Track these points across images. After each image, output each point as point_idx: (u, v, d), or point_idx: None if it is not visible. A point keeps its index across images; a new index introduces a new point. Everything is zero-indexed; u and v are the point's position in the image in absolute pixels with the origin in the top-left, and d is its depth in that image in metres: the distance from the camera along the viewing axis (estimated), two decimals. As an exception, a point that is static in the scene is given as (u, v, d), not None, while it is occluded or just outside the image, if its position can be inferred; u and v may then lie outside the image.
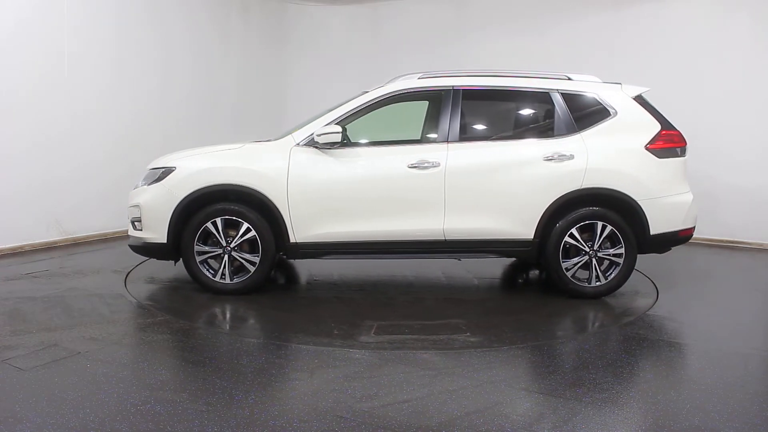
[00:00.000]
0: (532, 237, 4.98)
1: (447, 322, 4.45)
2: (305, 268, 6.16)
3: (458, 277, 5.81)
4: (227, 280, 5.02)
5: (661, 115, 5.16)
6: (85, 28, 7.01)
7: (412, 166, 4.92)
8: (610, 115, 5.09)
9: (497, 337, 4.14)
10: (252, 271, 5.00)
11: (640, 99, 5.19)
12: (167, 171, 5.04)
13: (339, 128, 4.88)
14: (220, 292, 5.01)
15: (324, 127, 4.94)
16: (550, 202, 4.94)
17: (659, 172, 5.02)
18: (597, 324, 4.56)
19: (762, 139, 7.44)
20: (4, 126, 6.32)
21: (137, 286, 5.30)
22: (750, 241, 7.55)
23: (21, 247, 6.53)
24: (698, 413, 3.06)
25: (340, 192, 4.94)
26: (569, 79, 5.25)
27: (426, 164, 4.93)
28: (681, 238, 5.16)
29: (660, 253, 5.27)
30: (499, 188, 4.96)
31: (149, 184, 5.11)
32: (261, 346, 3.97)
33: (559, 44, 8.35)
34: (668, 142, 5.07)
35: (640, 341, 4.11)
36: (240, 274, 5.04)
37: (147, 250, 5.17)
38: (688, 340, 4.28)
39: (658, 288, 5.44)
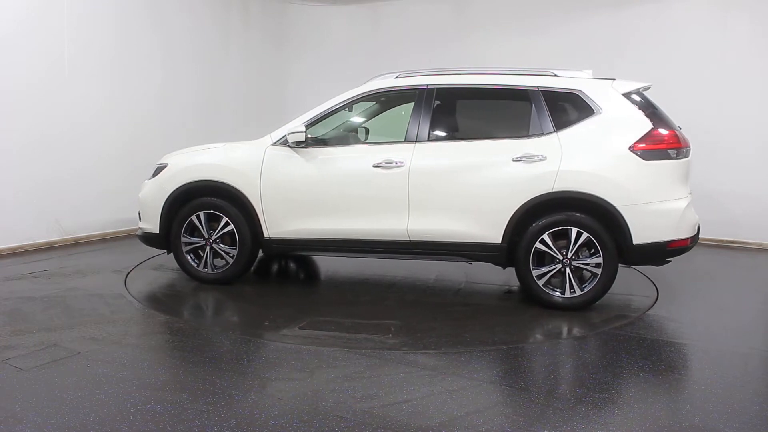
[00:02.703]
0: (500, 241, 4.73)
1: (381, 323, 4.42)
2: (322, 264, 6.28)
3: (448, 281, 5.69)
4: (209, 270, 5.32)
5: (658, 113, 4.77)
6: (85, 29, 7.00)
7: (377, 166, 4.90)
8: (593, 113, 4.69)
9: (416, 341, 4.05)
10: (230, 263, 5.26)
11: (631, 96, 4.77)
12: (161, 167, 5.48)
13: (303, 128, 5.00)
14: (203, 281, 5.35)
15: (294, 126, 5.07)
16: (518, 206, 4.65)
17: (644, 175, 4.56)
18: (596, 324, 4.55)
19: (762, 139, 7.43)
20: (4, 126, 6.32)
21: (137, 286, 5.30)
22: (750, 241, 7.55)
23: (21, 247, 6.53)
24: (698, 413, 3.06)
25: (308, 190, 5.06)
26: (555, 75, 4.91)
27: (390, 164, 4.88)
28: (672, 249, 4.64)
29: (656, 265, 4.87)
30: (464, 189, 4.75)
31: (149, 179, 5.56)
32: (261, 345, 3.97)
33: (559, 44, 8.35)
34: (658, 143, 4.60)
35: (640, 341, 4.10)
36: (222, 266, 5.33)
37: (145, 239, 5.56)
38: (688, 340, 4.28)
39: (657, 288, 5.43)
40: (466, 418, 2.98)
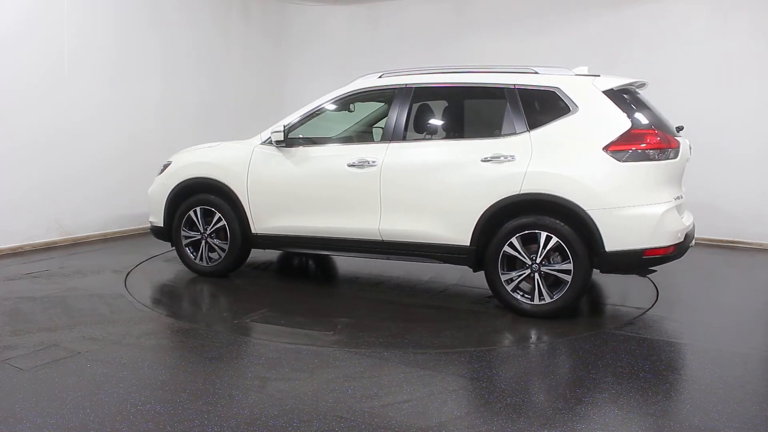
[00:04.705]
0: (468, 244, 4.58)
1: (332, 320, 4.45)
2: (336, 261, 6.38)
3: (438, 282, 5.59)
4: (205, 263, 5.53)
5: (644, 111, 4.50)
6: (85, 28, 6.99)
7: (351, 165, 4.91)
8: (569, 111, 4.43)
9: (354, 339, 4.06)
10: (222, 257, 5.46)
11: (614, 93, 4.44)
12: (166, 165, 5.75)
13: (282, 127, 5.12)
14: (200, 273, 5.58)
15: (277, 126, 5.20)
16: (486, 208, 4.48)
17: (619, 177, 4.26)
18: (596, 324, 4.55)
19: (762, 138, 7.43)
20: (4, 126, 6.31)
21: (137, 286, 5.31)
22: (750, 241, 7.54)
23: (21, 247, 6.52)
24: (698, 413, 3.06)
25: (288, 188, 5.19)
26: (535, 73, 4.67)
27: (364, 163, 4.87)
28: (649, 258, 4.30)
29: (638, 274, 4.64)
30: (433, 190, 4.66)
31: (157, 176, 5.81)
32: (261, 345, 3.97)
33: (560, 44, 8.34)
34: (635, 144, 4.27)
35: (640, 341, 4.10)
36: (216, 259, 5.53)
37: (153, 231, 5.86)
38: (688, 340, 4.28)
39: (657, 288, 5.42)
40: (465, 418, 2.98)
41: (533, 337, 4.27)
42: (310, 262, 6.45)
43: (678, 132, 4.78)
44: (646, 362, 3.74)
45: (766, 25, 7.35)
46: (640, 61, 7.83)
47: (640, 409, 3.12)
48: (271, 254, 6.47)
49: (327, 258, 6.47)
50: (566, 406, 3.14)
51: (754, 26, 7.42)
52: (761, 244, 7.45)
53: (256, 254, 6.38)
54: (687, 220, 4.68)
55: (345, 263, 6.30)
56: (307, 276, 6.14)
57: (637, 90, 4.84)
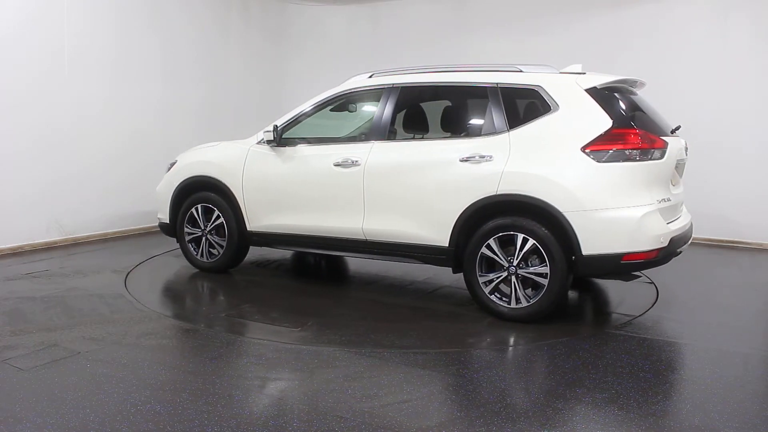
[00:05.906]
0: (447, 245, 4.54)
1: (304, 317, 4.47)
2: (351, 263, 6.40)
3: (430, 283, 5.54)
4: (205, 259, 5.70)
5: (627, 110, 4.35)
6: (85, 28, 7.00)
7: (337, 165, 4.95)
8: (550, 110, 4.32)
9: (318, 336, 4.09)
10: (221, 254, 5.61)
11: (599, 91, 4.29)
12: (173, 163, 5.95)
13: (272, 127, 5.22)
14: (201, 269, 5.76)
15: (268, 126, 5.29)
16: (464, 208, 4.42)
17: (597, 178, 4.12)
18: (596, 324, 4.55)
19: (762, 138, 7.43)
20: (4, 126, 6.32)
21: (137, 286, 5.31)
22: (750, 241, 7.54)
23: (21, 247, 6.53)
24: (698, 413, 3.06)
25: (279, 187, 5.26)
26: (520, 71, 4.58)
27: (348, 163, 4.90)
28: (629, 263, 4.14)
29: (622, 279, 4.50)
30: (412, 190, 4.64)
31: (165, 173, 5.99)
32: (261, 345, 3.97)
33: (559, 44, 8.34)
34: (616, 143, 4.11)
35: (640, 341, 4.10)
36: (216, 255, 5.69)
37: (161, 227, 6.04)
38: (687, 340, 4.28)
39: (657, 288, 5.43)
40: (465, 418, 2.98)
41: (528, 338, 4.26)
42: (322, 262, 6.46)
43: (674, 132, 4.68)
44: (646, 362, 3.74)
45: (766, 25, 7.36)
46: (640, 61, 7.84)
47: (640, 409, 3.12)
48: (285, 252, 6.51)
49: (338, 257, 6.47)
50: (566, 406, 3.14)
51: (754, 26, 7.42)
52: (761, 244, 7.45)
53: (268, 252, 6.45)
54: (677, 224, 4.49)
55: (352, 263, 6.32)
56: (309, 274, 6.14)
57: (630, 88, 4.72)
